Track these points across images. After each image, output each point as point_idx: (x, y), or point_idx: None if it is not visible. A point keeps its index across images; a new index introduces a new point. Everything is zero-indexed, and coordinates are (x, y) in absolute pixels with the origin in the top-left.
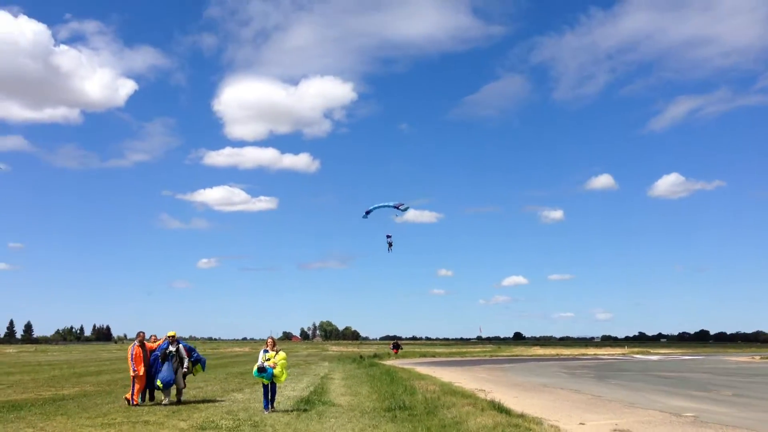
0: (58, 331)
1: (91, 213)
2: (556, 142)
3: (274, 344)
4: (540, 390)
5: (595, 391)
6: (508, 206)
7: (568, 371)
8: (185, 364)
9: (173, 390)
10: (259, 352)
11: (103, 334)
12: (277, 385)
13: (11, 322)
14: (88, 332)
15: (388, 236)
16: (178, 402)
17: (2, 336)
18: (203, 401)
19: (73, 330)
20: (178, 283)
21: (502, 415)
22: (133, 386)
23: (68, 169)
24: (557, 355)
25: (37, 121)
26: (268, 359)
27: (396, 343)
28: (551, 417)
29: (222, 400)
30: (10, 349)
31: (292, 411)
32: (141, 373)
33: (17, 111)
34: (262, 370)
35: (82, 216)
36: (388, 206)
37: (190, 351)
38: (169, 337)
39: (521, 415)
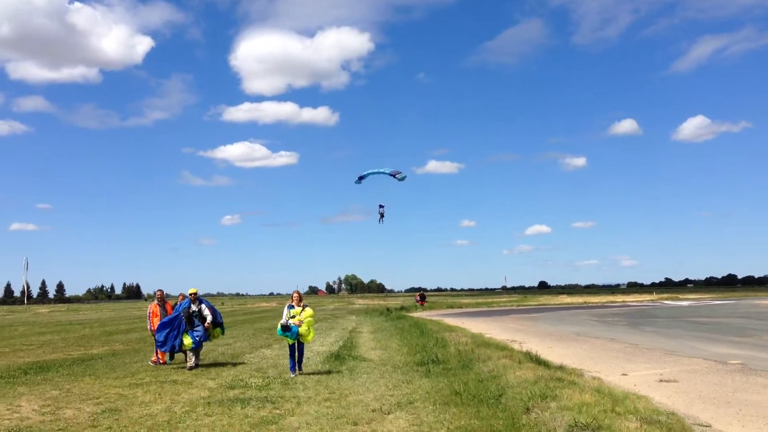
0: (89, 290)
1: (115, 172)
2: (578, 87)
3: (300, 299)
4: (573, 339)
5: (631, 340)
6: (529, 154)
7: (598, 319)
8: (208, 321)
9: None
10: (285, 307)
11: (133, 292)
12: (305, 344)
13: (43, 282)
14: (118, 290)
15: (381, 206)
16: (194, 366)
17: (35, 296)
18: (231, 358)
19: (104, 289)
20: (203, 239)
21: (541, 368)
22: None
23: (89, 129)
24: (585, 303)
25: (56, 80)
26: (293, 316)
27: (421, 294)
28: (591, 368)
29: (251, 357)
30: (43, 309)
31: (321, 367)
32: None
33: (36, 71)
34: (286, 328)
35: (107, 175)
36: (384, 173)
37: (213, 311)
38: (191, 294)
39: (560, 367)
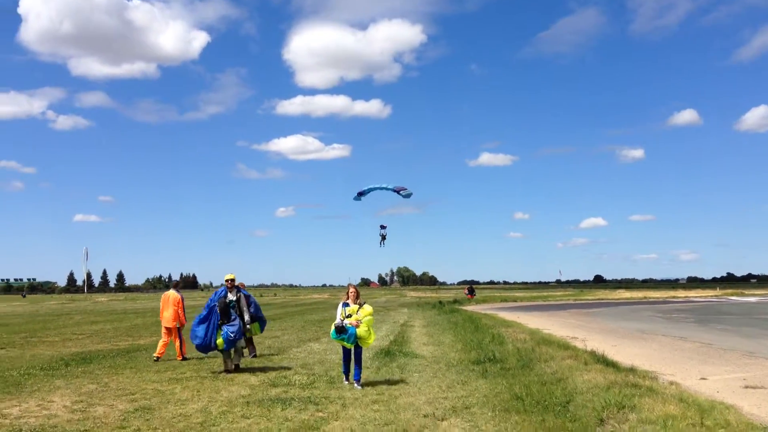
0: (148, 280)
1: (172, 165)
2: (636, 77)
3: (357, 295)
4: (639, 337)
5: (702, 338)
6: (585, 146)
7: (663, 315)
8: (246, 319)
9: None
10: (338, 305)
11: (189, 282)
12: (363, 348)
13: (104, 272)
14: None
15: (383, 227)
16: (236, 369)
17: (97, 285)
18: (278, 352)
19: (162, 278)
20: (257, 231)
21: (610, 370)
22: (181, 339)
23: (148, 123)
24: (645, 298)
25: (117, 76)
26: (349, 315)
27: (470, 287)
28: (664, 370)
29: (298, 352)
30: (102, 298)
31: (371, 365)
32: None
33: (97, 67)
34: (341, 330)
35: (165, 168)
36: (387, 189)
37: (250, 303)
38: (227, 281)
39: (632, 369)
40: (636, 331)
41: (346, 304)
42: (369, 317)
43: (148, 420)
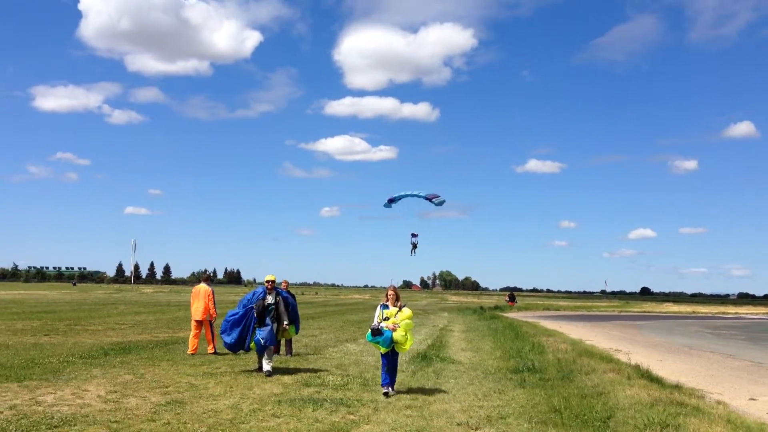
0: (193, 273)
1: (222, 161)
2: (691, 86)
3: (397, 298)
4: (686, 353)
5: (752, 357)
6: (636, 156)
7: (712, 331)
8: (284, 323)
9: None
10: (377, 306)
11: (233, 278)
12: (400, 354)
13: (152, 264)
14: (220, 275)
15: (414, 235)
16: (269, 373)
17: (144, 276)
18: (314, 351)
19: (207, 273)
20: (302, 230)
21: (654, 386)
22: (213, 334)
23: (199, 120)
24: (693, 312)
25: (171, 73)
26: (387, 318)
27: (511, 294)
28: (711, 389)
29: (334, 352)
30: (148, 289)
31: (406, 368)
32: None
33: (153, 64)
34: (377, 332)
35: (214, 164)
36: (419, 196)
37: (288, 304)
38: (267, 282)
39: (677, 386)
40: (683, 346)
41: (384, 306)
42: (407, 321)
43: (178, 414)
